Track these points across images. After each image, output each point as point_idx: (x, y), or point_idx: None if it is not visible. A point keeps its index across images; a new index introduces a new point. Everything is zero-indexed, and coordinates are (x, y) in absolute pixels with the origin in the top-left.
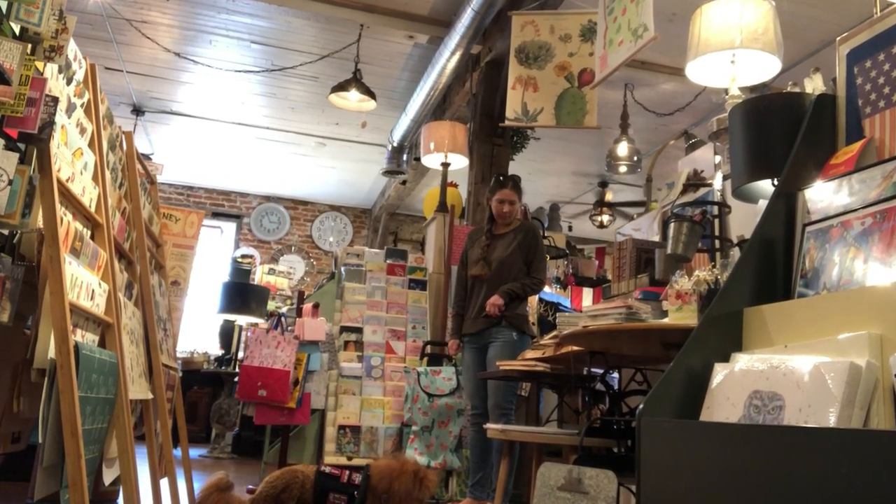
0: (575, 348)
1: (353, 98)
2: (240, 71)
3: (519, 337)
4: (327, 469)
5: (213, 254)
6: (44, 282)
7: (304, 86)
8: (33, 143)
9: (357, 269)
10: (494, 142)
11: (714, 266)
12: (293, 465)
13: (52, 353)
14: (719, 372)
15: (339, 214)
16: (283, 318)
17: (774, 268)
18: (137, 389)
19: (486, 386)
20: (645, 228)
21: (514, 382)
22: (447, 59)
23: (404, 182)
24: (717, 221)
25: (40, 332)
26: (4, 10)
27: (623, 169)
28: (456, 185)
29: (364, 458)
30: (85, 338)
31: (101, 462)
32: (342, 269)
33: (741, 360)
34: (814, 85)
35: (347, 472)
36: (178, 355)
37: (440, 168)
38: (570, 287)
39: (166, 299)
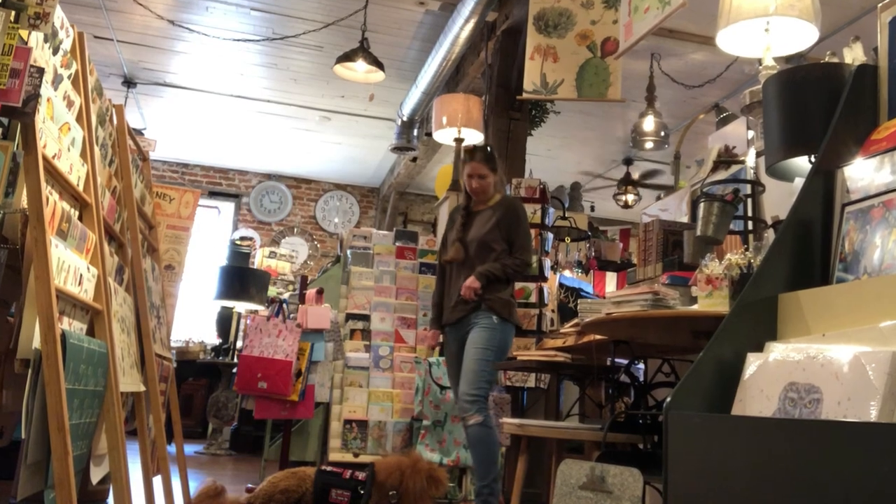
0: (598, 337)
1: (359, 69)
2: (238, 40)
3: (500, 323)
4: (328, 467)
5: (209, 236)
6: (28, 266)
7: (307, 56)
8: (17, 118)
9: (364, 252)
10: (511, 116)
11: (747, 249)
12: (298, 468)
13: (37, 343)
14: (752, 362)
15: (345, 194)
16: (284, 305)
17: (811, 251)
18: (128, 381)
19: None
20: (673, 209)
21: (489, 366)
22: (461, 27)
23: (415, 159)
24: (749, 201)
25: (24, 319)
26: None
27: (649, 145)
28: None
29: (371, 454)
30: (72, 326)
31: (89, 459)
32: (348, 252)
33: (776, 350)
34: (853, 55)
35: (350, 471)
36: (173, 345)
37: (453, 144)
38: (592, 271)
39: (159, 285)
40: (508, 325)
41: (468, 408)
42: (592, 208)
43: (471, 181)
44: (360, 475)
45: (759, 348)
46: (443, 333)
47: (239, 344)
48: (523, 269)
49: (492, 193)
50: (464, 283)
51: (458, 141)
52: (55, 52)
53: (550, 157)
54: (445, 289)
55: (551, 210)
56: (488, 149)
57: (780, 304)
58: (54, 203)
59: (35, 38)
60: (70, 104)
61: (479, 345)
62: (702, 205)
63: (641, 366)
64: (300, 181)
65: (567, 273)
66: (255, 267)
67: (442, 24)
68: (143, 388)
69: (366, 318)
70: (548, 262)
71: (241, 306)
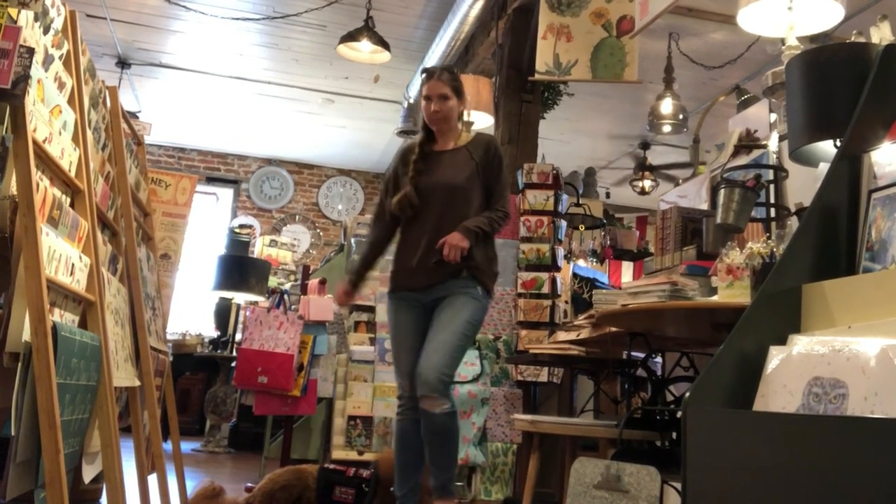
0: (613, 329)
1: (364, 49)
2: (237, 18)
3: (484, 297)
4: (331, 465)
5: (207, 223)
6: (17, 255)
7: (309, 35)
8: (6, 100)
9: None
10: (523, 98)
11: (769, 237)
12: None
13: (26, 335)
14: (775, 356)
15: (349, 179)
16: (285, 296)
17: (836, 239)
18: (123, 375)
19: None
20: (692, 195)
21: (468, 344)
22: (470, 5)
23: None
24: (772, 187)
25: (13, 311)
26: None
27: (667, 128)
28: None
29: (376, 452)
30: (64, 318)
31: (81, 457)
32: (352, 240)
33: (799, 343)
34: (881, 34)
35: (353, 469)
36: (169, 337)
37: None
38: (607, 261)
39: (155, 274)
40: (489, 300)
41: (439, 390)
42: (608, 195)
43: (429, 105)
44: (365, 473)
45: (781, 341)
46: (393, 300)
47: (238, 337)
48: (505, 223)
49: (456, 128)
50: (448, 240)
51: (468, 124)
52: (46, 31)
53: (564, 141)
54: (402, 245)
55: (565, 197)
56: (451, 68)
57: (804, 295)
58: (45, 189)
59: (25, 17)
60: (61, 86)
61: (464, 316)
62: (722, 191)
63: (659, 359)
64: (302, 166)
65: (581, 262)
66: (254, 256)
67: (450, 2)
68: (137, 383)
69: (371, 309)
70: (561, 251)
71: (240, 297)
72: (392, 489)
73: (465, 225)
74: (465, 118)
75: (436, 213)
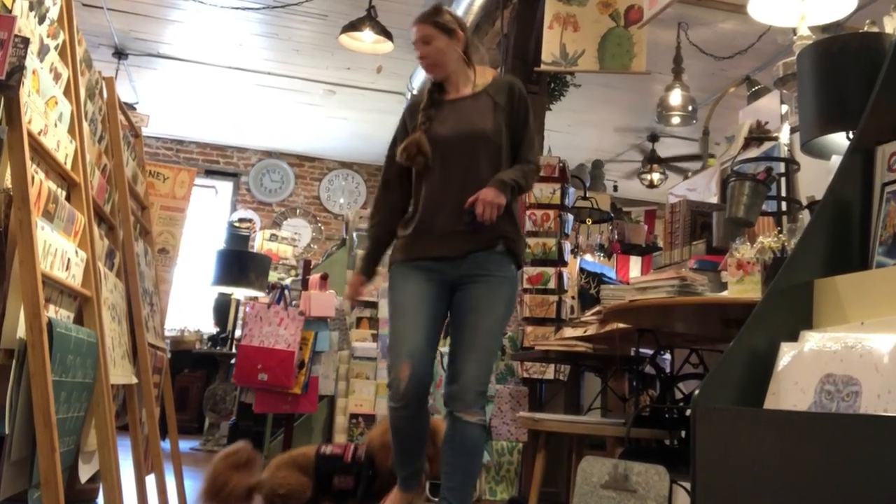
0: (621, 326)
1: (366, 39)
2: (237, 8)
3: (516, 275)
4: (328, 450)
5: (206, 217)
6: (12, 250)
7: (310, 25)
8: (0, 91)
9: None
10: (529, 89)
11: (780, 232)
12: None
13: (21, 332)
14: (786, 353)
15: (351, 172)
16: (286, 292)
17: (849, 234)
18: (120, 373)
19: (436, 343)
20: (701, 188)
21: (499, 343)
22: None
23: None
24: (783, 180)
25: (8, 307)
26: None
27: (676, 120)
28: None
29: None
30: (59, 314)
31: (77, 456)
32: (354, 234)
33: (811, 340)
34: (895, 24)
35: (352, 448)
36: (167, 334)
37: None
38: (615, 255)
39: (153, 269)
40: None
41: (475, 402)
42: (615, 188)
43: (416, 51)
44: (363, 454)
45: (793, 337)
46: (406, 267)
47: (238, 333)
48: (537, 176)
49: (464, 69)
50: (480, 196)
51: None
52: (41, 20)
53: (570, 133)
54: (420, 208)
55: (571, 190)
56: (438, 7)
57: (816, 291)
58: (40, 182)
59: (19, 6)
60: (57, 77)
61: (501, 311)
62: (732, 184)
63: (668, 356)
64: (303, 159)
65: (588, 257)
66: (254, 251)
67: None
68: (135, 381)
69: (373, 305)
70: (568, 246)
71: (239, 293)
72: (391, 468)
73: (500, 178)
74: (471, 52)
75: (461, 168)
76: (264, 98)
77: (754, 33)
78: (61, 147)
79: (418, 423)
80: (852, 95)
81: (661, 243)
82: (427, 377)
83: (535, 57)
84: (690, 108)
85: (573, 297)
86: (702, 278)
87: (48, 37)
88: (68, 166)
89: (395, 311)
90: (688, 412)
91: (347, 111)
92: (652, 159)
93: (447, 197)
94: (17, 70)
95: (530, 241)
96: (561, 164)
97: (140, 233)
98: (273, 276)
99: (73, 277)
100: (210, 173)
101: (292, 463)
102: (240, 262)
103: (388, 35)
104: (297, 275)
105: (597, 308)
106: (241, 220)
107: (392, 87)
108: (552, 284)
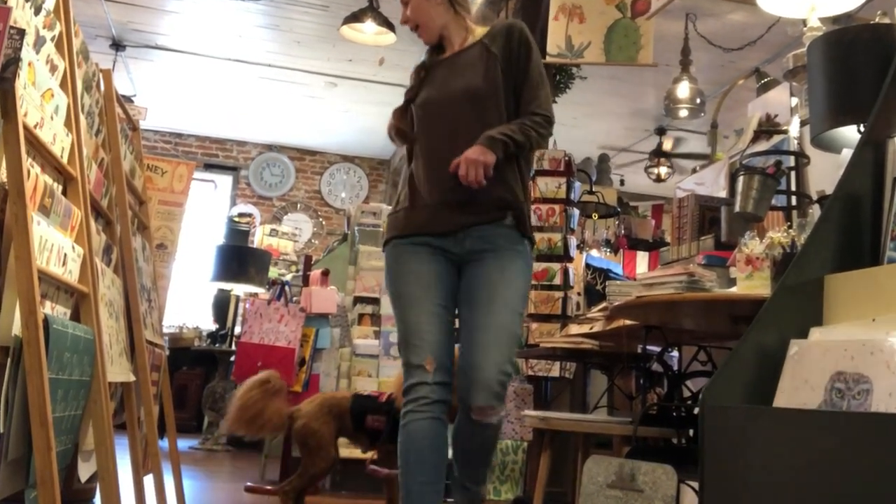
0: (628, 322)
1: (368, 30)
2: None
3: (528, 245)
4: (364, 392)
5: (205, 212)
6: (8, 245)
7: (311, 16)
8: None
9: (374, 229)
10: None
11: (790, 226)
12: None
13: (17, 329)
14: (796, 350)
15: (353, 166)
16: (286, 288)
17: (860, 228)
18: (117, 370)
19: (452, 333)
20: (709, 182)
21: (517, 324)
22: None
23: None
24: (793, 174)
25: (3, 303)
26: None
27: (684, 113)
28: None
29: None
30: (56, 310)
31: (74, 455)
32: (356, 229)
33: (821, 337)
34: None
35: (386, 394)
36: (165, 331)
37: None
38: (621, 251)
39: (151, 265)
40: (531, 246)
41: (501, 396)
42: (622, 182)
43: (401, 19)
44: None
45: (803, 334)
46: (400, 246)
47: (237, 330)
48: (549, 128)
49: (456, 23)
50: (464, 157)
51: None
52: (37, 12)
53: (576, 126)
54: (415, 178)
55: (577, 184)
56: None
57: (827, 287)
58: (36, 176)
59: None
60: (53, 69)
61: (519, 288)
62: (741, 178)
63: (675, 353)
64: (304, 153)
65: (594, 252)
66: (254, 246)
67: None
68: (132, 378)
69: (375, 301)
70: (574, 241)
71: (239, 289)
72: None
73: (489, 133)
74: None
75: (446, 133)
76: (264, 90)
77: (764, 24)
78: (57, 140)
79: (440, 437)
80: (863, 88)
81: (668, 238)
82: (450, 376)
83: (541, 49)
84: (698, 100)
85: (579, 294)
86: (710, 274)
87: (44, 28)
88: (65, 160)
89: (398, 299)
90: (696, 410)
91: (349, 104)
92: (659, 153)
93: (435, 165)
94: (13, 62)
95: (535, 235)
96: (566, 158)
97: (138, 228)
98: (273, 272)
99: (70, 273)
100: (209, 167)
101: (328, 411)
102: (239, 258)
103: (390, 26)
104: (297, 270)
105: (603, 304)
106: (240, 215)
107: (395, 80)
108: (558, 280)
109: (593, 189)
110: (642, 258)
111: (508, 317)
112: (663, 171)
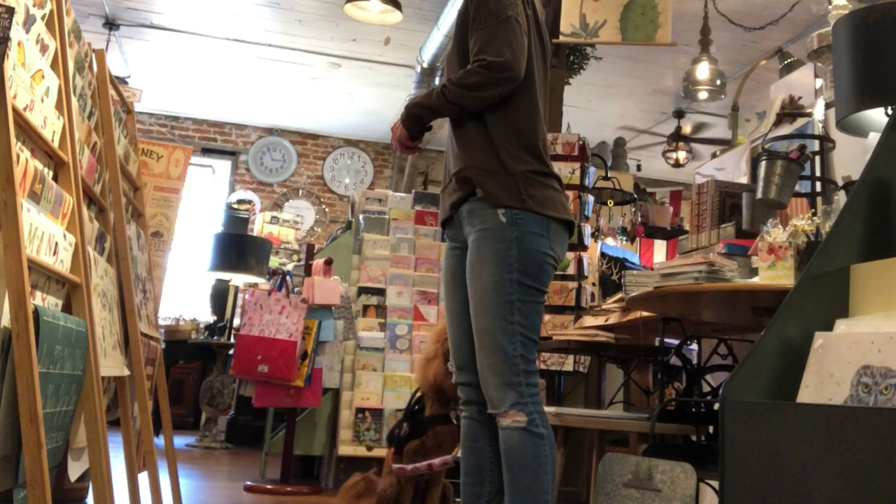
0: (645, 314)
1: (373, 8)
2: None
3: (509, 215)
4: None
5: (202, 198)
6: None
7: None
8: None
9: (379, 217)
10: None
11: (814, 214)
12: None
13: (6, 321)
14: (821, 343)
15: (357, 150)
16: (288, 278)
17: (888, 216)
18: (111, 364)
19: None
20: (730, 168)
21: (519, 312)
22: None
23: None
24: (817, 159)
25: None
26: None
27: (703, 95)
28: None
29: (387, 448)
30: (46, 301)
31: (66, 453)
32: (360, 217)
33: (847, 329)
34: None
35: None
36: (161, 323)
37: None
38: (638, 239)
39: (146, 254)
40: (525, 213)
41: (502, 399)
42: (639, 167)
43: None
44: None
45: (828, 327)
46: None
47: (236, 322)
48: (489, 74)
49: None
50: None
51: None
52: None
53: (591, 109)
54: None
55: (592, 169)
56: None
57: (853, 277)
58: (26, 161)
59: None
60: (44, 49)
61: (485, 278)
62: (763, 163)
63: (695, 347)
64: (306, 137)
65: (610, 241)
66: (254, 234)
67: None
68: (127, 372)
69: (381, 292)
70: (588, 229)
71: (238, 279)
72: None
73: (406, 104)
74: None
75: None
76: (265, 71)
77: (787, 2)
78: (48, 124)
79: (482, 439)
80: (891, 69)
81: (687, 226)
82: (474, 375)
83: (554, 28)
84: (719, 82)
85: (594, 284)
86: (731, 263)
87: (34, 6)
88: (56, 144)
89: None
90: (716, 406)
91: (353, 85)
92: (678, 137)
93: (450, 152)
94: (2, 42)
95: None
96: (580, 142)
97: (132, 215)
98: (274, 262)
99: (61, 263)
100: (207, 152)
101: None
102: (238, 247)
103: (396, 4)
104: (299, 260)
105: (619, 295)
106: (239, 202)
107: (401, 60)
108: (571, 270)
109: (608, 175)
110: (660, 247)
111: (481, 318)
112: (682, 155)
